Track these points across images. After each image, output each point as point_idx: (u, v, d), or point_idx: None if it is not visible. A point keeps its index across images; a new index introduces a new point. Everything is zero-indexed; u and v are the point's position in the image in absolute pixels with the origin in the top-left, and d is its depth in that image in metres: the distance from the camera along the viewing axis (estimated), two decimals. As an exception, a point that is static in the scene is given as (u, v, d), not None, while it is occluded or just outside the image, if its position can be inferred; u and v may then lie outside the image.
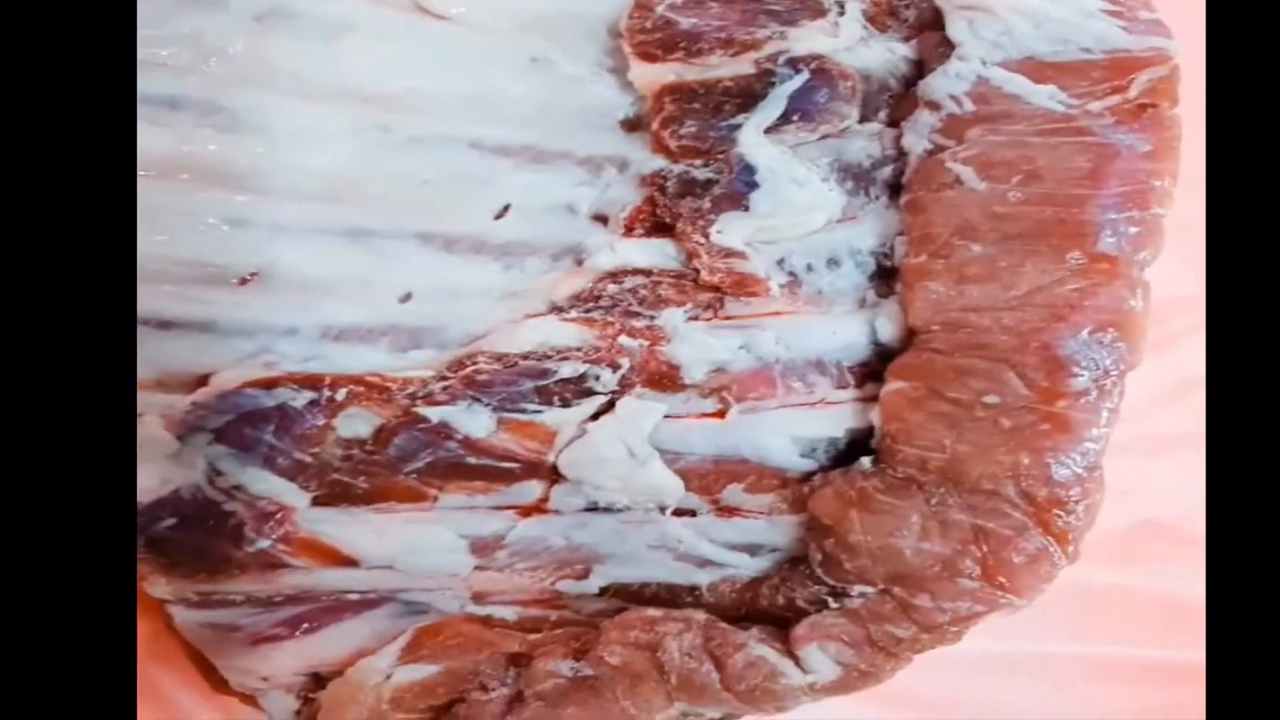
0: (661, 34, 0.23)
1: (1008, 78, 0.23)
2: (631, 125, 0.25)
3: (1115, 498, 0.22)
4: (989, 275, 0.22)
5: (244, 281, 0.23)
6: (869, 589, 0.21)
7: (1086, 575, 0.23)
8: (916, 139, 0.23)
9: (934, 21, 0.25)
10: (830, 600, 0.22)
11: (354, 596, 0.23)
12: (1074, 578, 0.22)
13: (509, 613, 0.24)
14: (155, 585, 0.22)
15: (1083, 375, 0.21)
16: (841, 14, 0.24)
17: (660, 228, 0.24)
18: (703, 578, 0.23)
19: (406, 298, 0.24)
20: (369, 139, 0.23)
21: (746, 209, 0.23)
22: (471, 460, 0.23)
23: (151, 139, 0.22)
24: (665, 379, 0.23)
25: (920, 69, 0.25)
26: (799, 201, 0.23)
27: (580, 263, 0.24)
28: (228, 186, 0.23)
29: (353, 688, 0.22)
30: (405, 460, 0.23)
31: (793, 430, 0.23)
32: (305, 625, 0.23)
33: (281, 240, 0.23)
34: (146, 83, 0.22)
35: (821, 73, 0.24)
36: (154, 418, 0.23)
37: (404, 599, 0.24)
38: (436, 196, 0.24)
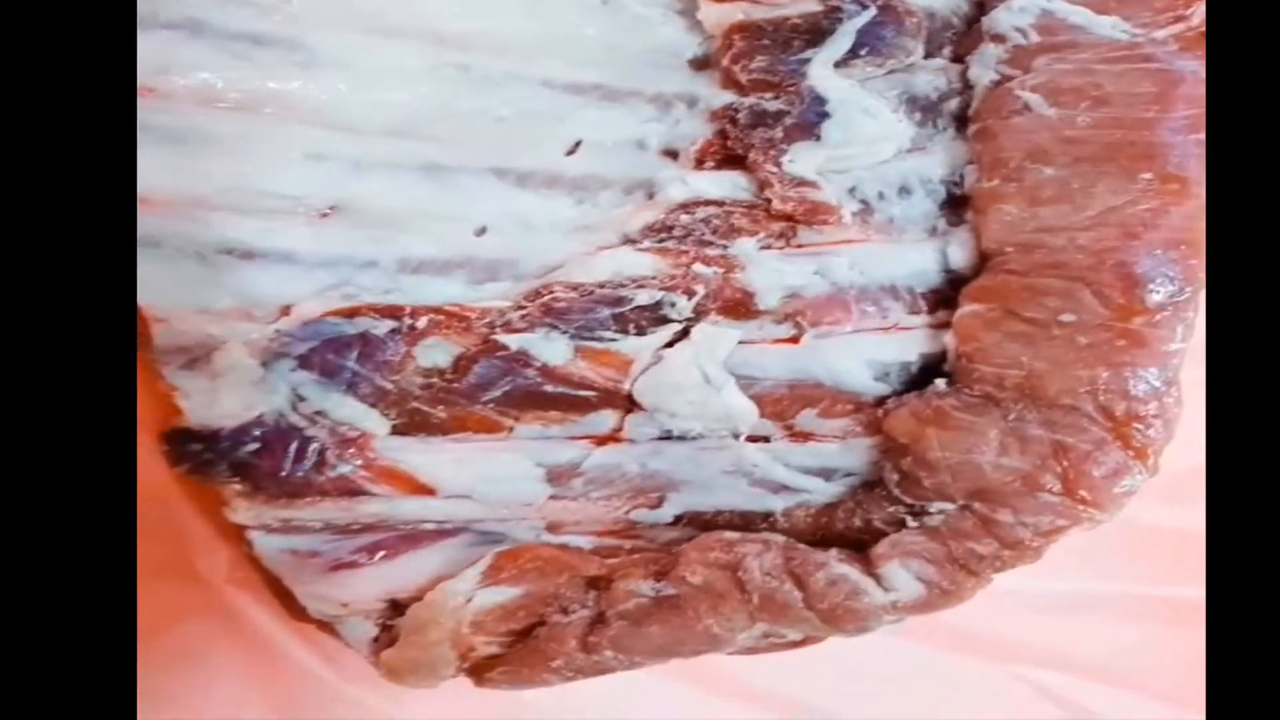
0: (731, -27, 0.25)
1: (1071, 9, 0.23)
2: (699, 64, 0.25)
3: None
4: (1062, 197, 0.22)
5: (324, 215, 0.23)
6: (949, 506, 0.22)
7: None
8: (983, 70, 0.24)
9: (995, -40, 0.26)
10: (909, 520, 0.22)
11: (430, 525, 0.23)
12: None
13: (584, 542, 0.24)
14: (237, 510, 0.23)
15: (1158, 292, 0.21)
16: (905, -47, 0.25)
17: (730, 161, 0.25)
18: (777, 503, 0.24)
19: (481, 231, 0.24)
20: (445, 77, 0.24)
21: (818, 138, 0.24)
22: (549, 389, 0.23)
23: (237, 73, 0.23)
24: (740, 306, 0.24)
25: (981, 9, 0.25)
26: (869, 131, 0.24)
27: (651, 197, 0.25)
28: (309, 122, 0.23)
29: (434, 610, 0.22)
30: (484, 389, 0.23)
31: (867, 355, 0.23)
32: (383, 553, 0.23)
33: (360, 175, 0.24)
34: (231, 20, 0.23)
35: (888, 9, 0.24)
36: (238, 344, 0.23)
37: (479, 529, 0.24)
38: (510, 133, 0.24)
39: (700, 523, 0.24)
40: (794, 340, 0.24)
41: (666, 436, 0.24)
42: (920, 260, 0.24)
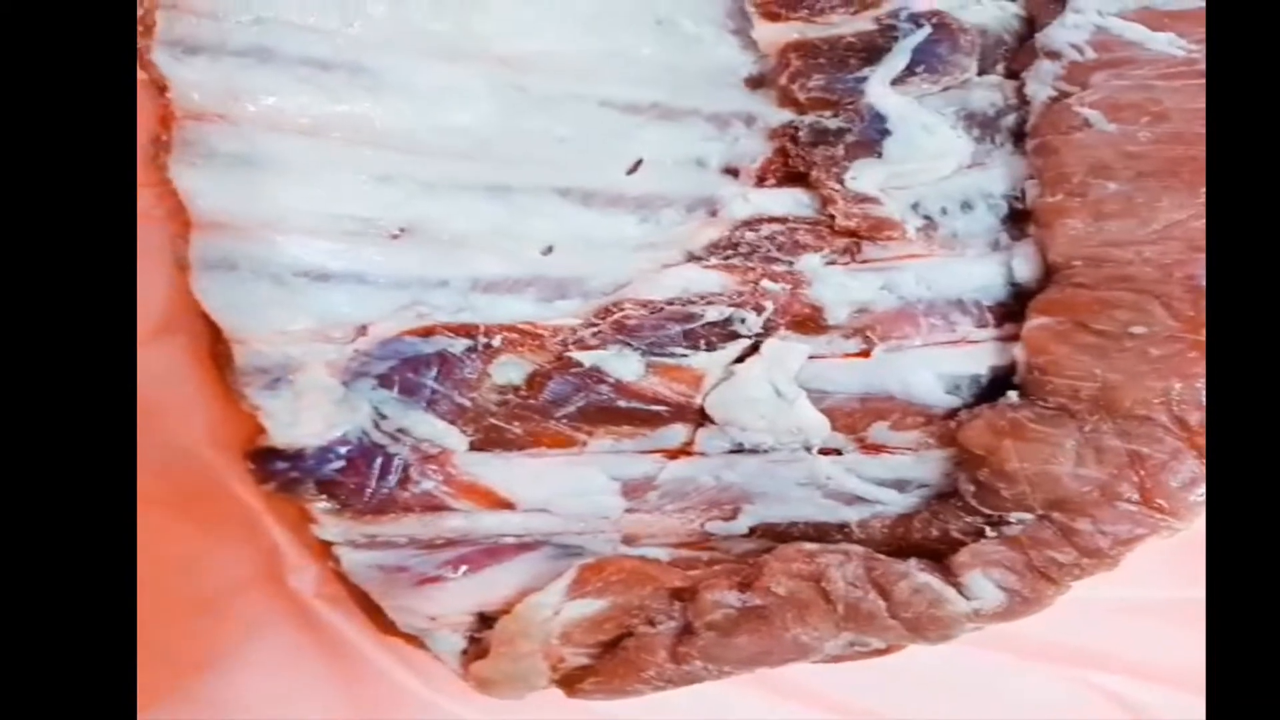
0: (785, -8, 0.25)
1: (1126, 26, 0.24)
2: (754, 83, 0.26)
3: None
4: (1126, 211, 0.23)
5: (395, 236, 0.24)
6: (1027, 516, 0.22)
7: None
8: (1040, 86, 0.24)
9: (1040, -21, 0.26)
10: (988, 529, 0.22)
11: (510, 539, 0.24)
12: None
13: (661, 553, 0.24)
14: (325, 528, 0.23)
15: (1227, 302, 0.22)
16: (954, -28, 0.26)
17: (791, 178, 0.25)
18: (851, 514, 0.24)
19: (548, 250, 0.25)
20: (506, 98, 0.24)
21: (879, 155, 0.24)
22: (621, 404, 0.24)
23: (305, 99, 0.24)
24: (809, 321, 0.24)
25: (1031, 25, 0.26)
26: (929, 148, 0.24)
27: (714, 214, 0.25)
28: (376, 144, 0.24)
29: (523, 623, 0.22)
30: (558, 405, 0.24)
31: (937, 367, 0.24)
32: (466, 566, 0.23)
33: (428, 196, 0.24)
34: (297, 45, 0.24)
35: (942, 26, 0.25)
36: (319, 365, 0.23)
37: (558, 542, 0.24)
38: (571, 153, 0.25)
39: (774, 534, 0.25)
40: (864, 354, 0.24)
41: (738, 449, 0.24)
42: (985, 274, 0.24)
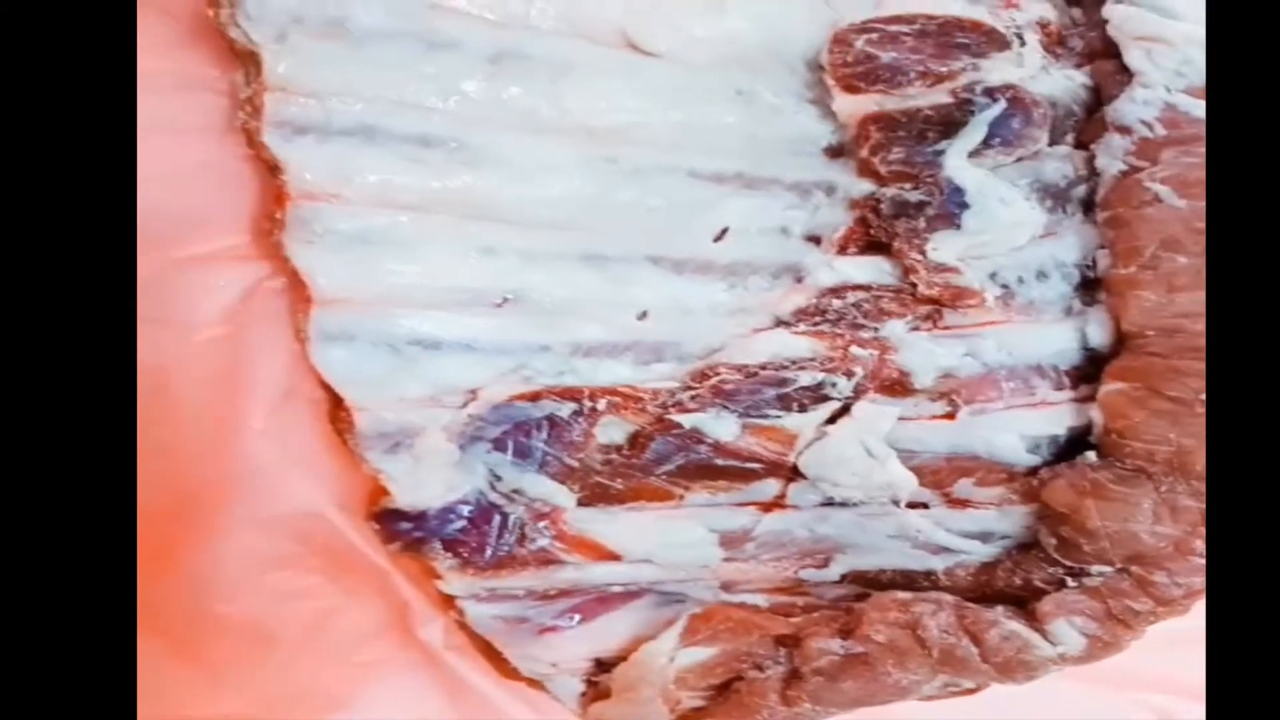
0: (863, 67, 0.26)
1: (1193, 103, 0.25)
2: (834, 152, 0.27)
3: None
4: (1197, 284, 0.24)
5: (499, 305, 0.25)
6: (1107, 569, 0.24)
7: None
8: (1110, 160, 0.26)
9: (1104, 50, 0.27)
10: (1069, 580, 0.24)
11: (618, 588, 0.26)
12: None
13: (759, 599, 0.26)
14: (449, 583, 0.25)
15: (1293, 369, 0.23)
16: (1023, 45, 0.27)
17: (872, 246, 0.27)
18: (937, 563, 0.26)
19: (643, 315, 0.26)
20: (597, 170, 0.26)
21: (958, 227, 0.26)
22: (719, 462, 0.25)
23: (409, 177, 0.25)
24: (897, 385, 0.26)
25: (1098, 95, 0.27)
26: (1006, 219, 0.26)
27: (799, 280, 0.27)
28: (478, 217, 0.25)
29: (642, 669, 0.24)
30: (659, 463, 0.25)
31: (1020, 429, 0.25)
32: (580, 616, 0.25)
33: (528, 266, 0.26)
34: (399, 123, 0.25)
35: (1016, 101, 0.26)
36: (436, 430, 0.25)
37: (661, 590, 0.26)
38: (661, 222, 0.26)
39: (864, 580, 0.26)
40: (950, 416, 0.26)
41: (829, 503, 0.26)
42: (1061, 339, 0.26)
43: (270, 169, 0.25)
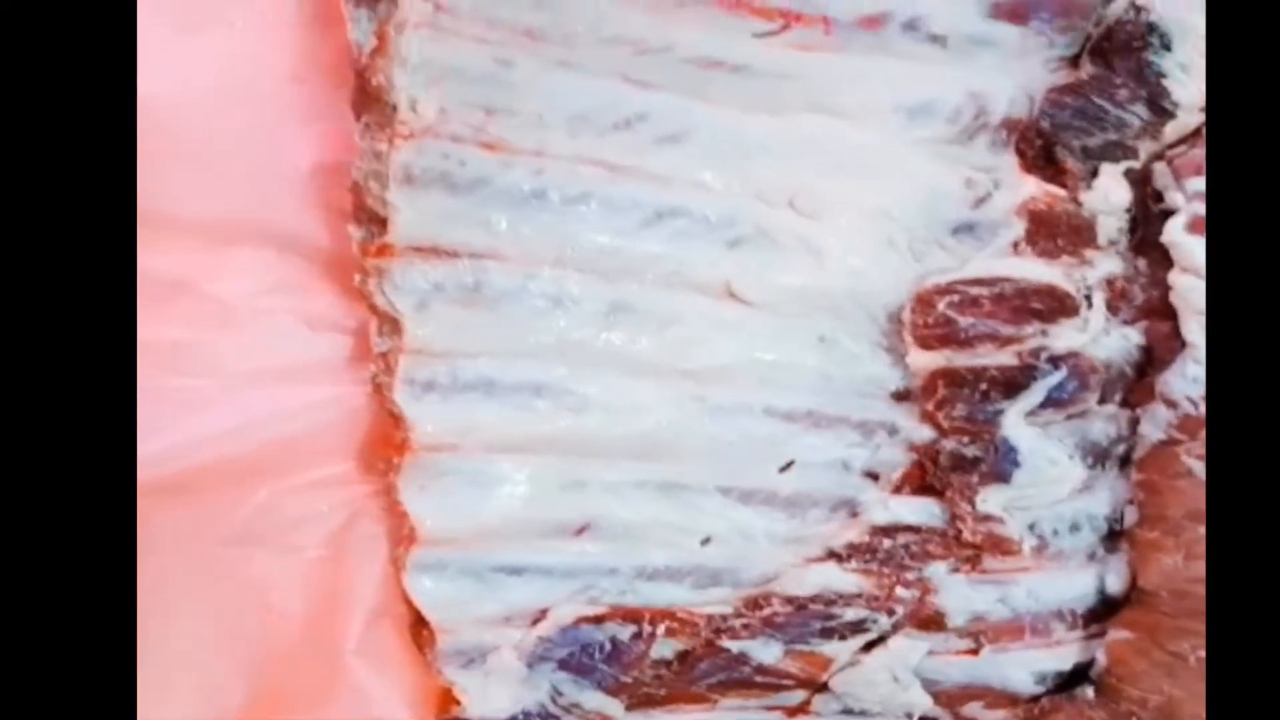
0: (941, 330, 0.27)
1: (1239, 382, 0.27)
2: (900, 396, 0.28)
3: None
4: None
5: (579, 532, 0.27)
6: (1094, 801, 0.28)
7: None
8: (1153, 429, 0.28)
9: (1162, 310, 0.28)
10: (1060, 805, 0.28)
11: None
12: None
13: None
14: (513, 790, 0.28)
15: None
16: (1089, 307, 0.27)
17: (925, 488, 0.28)
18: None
19: (706, 541, 0.28)
20: (685, 408, 0.27)
21: (1007, 482, 0.27)
22: (757, 679, 0.28)
23: (520, 425, 0.26)
24: (930, 622, 0.28)
25: (1149, 353, 0.28)
26: (1051, 475, 0.28)
27: (854, 514, 0.28)
28: (572, 454, 0.27)
29: None
30: (703, 677, 0.28)
31: (1033, 667, 0.28)
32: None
33: (608, 495, 0.27)
34: (517, 373, 0.26)
35: (1076, 369, 0.27)
36: (508, 649, 0.27)
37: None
38: (736, 455, 0.27)
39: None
40: (974, 653, 0.28)
41: (848, 711, 0.29)
42: (1082, 585, 0.28)
43: (393, 418, 0.26)
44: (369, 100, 0.25)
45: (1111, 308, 0.28)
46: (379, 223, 0.25)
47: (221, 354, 0.26)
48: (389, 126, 0.25)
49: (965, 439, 0.27)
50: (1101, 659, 0.28)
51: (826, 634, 0.28)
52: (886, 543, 0.28)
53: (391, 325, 0.25)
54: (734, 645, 0.27)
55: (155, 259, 0.25)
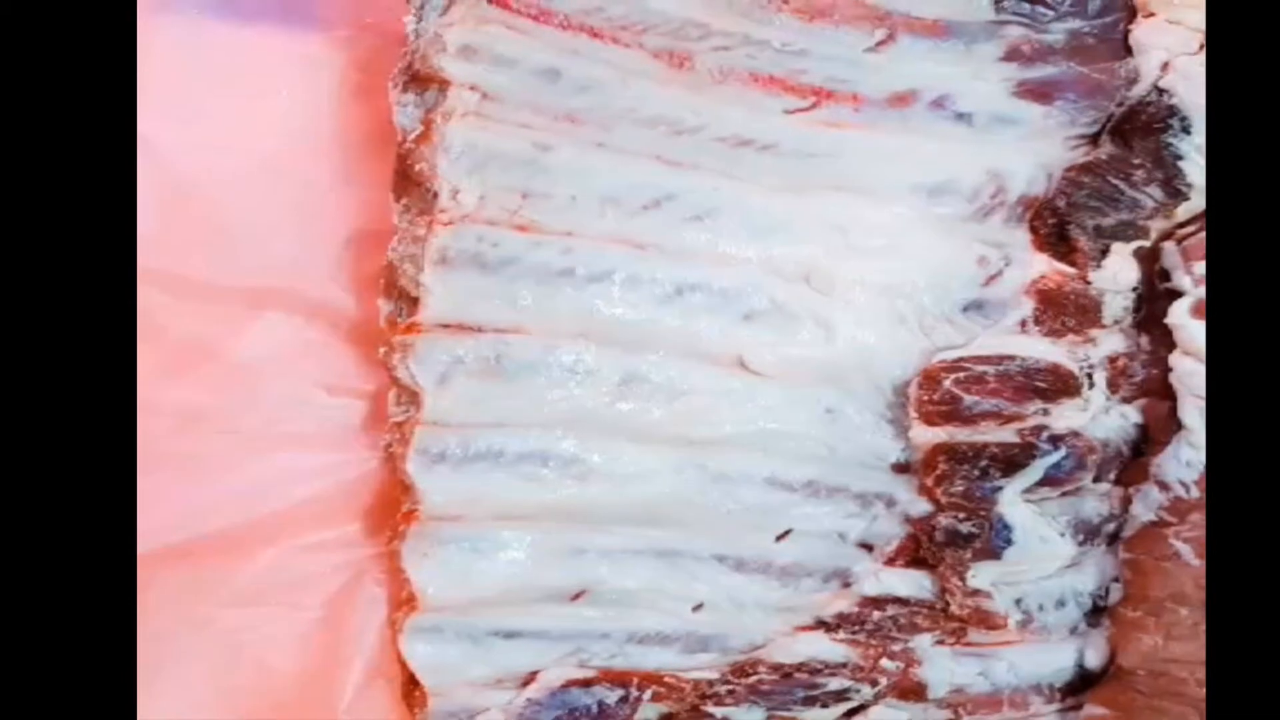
0: (946, 407, 0.27)
1: (1230, 470, 0.27)
2: (899, 468, 0.28)
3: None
4: (1192, 636, 0.27)
5: (575, 597, 0.27)
6: None
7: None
8: (1144, 509, 0.28)
9: (1161, 390, 0.28)
10: None
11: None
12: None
13: None
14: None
15: None
16: (1091, 386, 0.27)
17: (916, 560, 0.28)
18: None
19: (698, 607, 0.28)
20: (687, 476, 0.27)
21: (999, 559, 0.27)
22: (737, 739, 0.29)
23: (525, 494, 0.26)
24: (912, 693, 0.28)
25: (1145, 432, 0.28)
26: (1042, 553, 0.28)
27: (846, 584, 0.28)
28: (574, 522, 0.26)
29: None
30: (685, 734, 0.29)
31: (1009, 738, 0.30)
32: None
33: (606, 561, 0.27)
34: (525, 444, 0.26)
35: (1075, 449, 0.27)
36: (497, 711, 0.27)
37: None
38: (734, 522, 0.27)
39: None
40: (951, 724, 0.30)
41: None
42: (1062, 659, 0.29)
43: (403, 486, 0.26)
44: (409, 184, 0.25)
45: (1112, 385, 0.28)
46: (409, 301, 0.25)
47: (237, 418, 0.26)
48: (429, 213, 0.24)
49: (961, 515, 0.27)
50: (1075, 733, 0.30)
51: (809, 701, 0.28)
52: (876, 614, 0.28)
53: (411, 396, 0.25)
54: (718, 711, 0.28)
55: (181, 322, 0.26)
